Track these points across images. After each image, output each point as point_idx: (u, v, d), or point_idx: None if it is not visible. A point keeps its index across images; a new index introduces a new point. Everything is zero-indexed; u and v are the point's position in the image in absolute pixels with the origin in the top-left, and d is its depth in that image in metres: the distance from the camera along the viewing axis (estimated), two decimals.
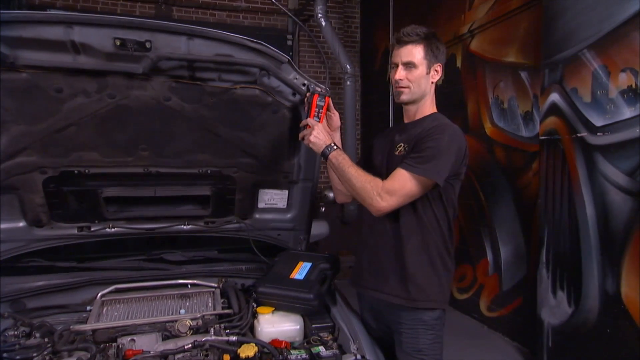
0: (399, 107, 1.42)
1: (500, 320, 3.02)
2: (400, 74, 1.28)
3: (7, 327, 1.29)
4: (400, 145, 1.32)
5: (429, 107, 1.35)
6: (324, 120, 1.35)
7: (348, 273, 3.85)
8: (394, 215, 1.28)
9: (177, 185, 1.61)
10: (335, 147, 1.28)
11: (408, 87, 1.29)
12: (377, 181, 1.23)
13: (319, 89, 1.36)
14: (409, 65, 1.27)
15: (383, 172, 1.31)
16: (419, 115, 1.35)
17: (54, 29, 1.16)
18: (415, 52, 1.27)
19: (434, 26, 3.72)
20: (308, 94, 1.36)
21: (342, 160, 1.26)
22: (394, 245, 1.30)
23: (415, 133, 1.30)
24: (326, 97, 1.34)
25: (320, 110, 1.33)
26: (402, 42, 1.28)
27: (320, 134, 1.28)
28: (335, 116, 1.41)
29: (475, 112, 3.28)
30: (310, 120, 1.31)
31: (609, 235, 2.03)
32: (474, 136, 3.22)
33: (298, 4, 5.06)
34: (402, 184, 1.21)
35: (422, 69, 1.28)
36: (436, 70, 1.31)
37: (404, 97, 1.31)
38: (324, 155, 1.28)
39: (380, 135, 1.50)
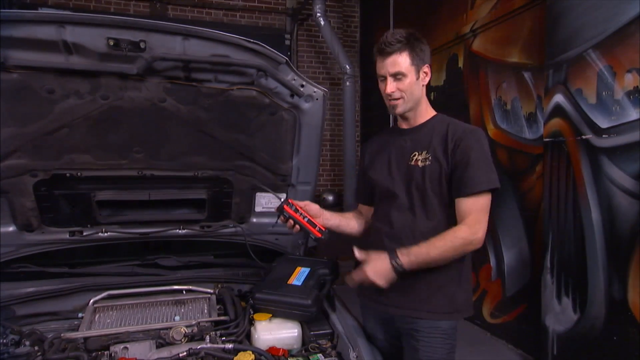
0: None
1: (504, 327, 2.98)
2: (391, 86, 1.23)
3: None
4: (415, 154, 1.27)
5: (426, 109, 1.32)
6: (304, 216, 1.29)
7: None
8: (425, 228, 1.24)
9: (172, 189, 1.59)
10: (398, 256, 1.16)
11: (402, 97, 1.25)
12: (457, 231, 1.17)
13: (280, 199, 1.31)
14: (398, 76, 1.23)
15: (401, 185, 1.27)
16: (420, 119, 1.32)
17: (45, 29, 1.15)
18: (401, 61, 1.22)
19: (435, 25, 3.73)
20: (281, 217, 1.28)
21: (418, 255, 1.16)
22: None
23: (428, 140, 1.26)
24: (289, 201, 1.29)
25: (299, 211, 1.28)
26: (385, 53, 1.22)
27: (374, 264, 1.17)
28: (309, 205, 1.34)
29: (477, 114, 3.24)
30: (359, 257, 1.21)
31: (615, 240, 2.00)
32: None
33: (296, 2, 5.04)
34: (480, 208, 1.19)
35: (411, 76, 1.24)
36: (425, 72, 1.28)
37: (400, 110, 1.27)
38: (397, 270, 1.17)
39: (373, 144, 1.44)
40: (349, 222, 1.45)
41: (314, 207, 1.35)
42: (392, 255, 1.17)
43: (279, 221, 1.30)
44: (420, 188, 1.25)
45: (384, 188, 1.32)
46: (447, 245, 1.17)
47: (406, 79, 1.23)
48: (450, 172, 1.23)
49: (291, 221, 1.28)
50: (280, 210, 1.28)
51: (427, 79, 1.29)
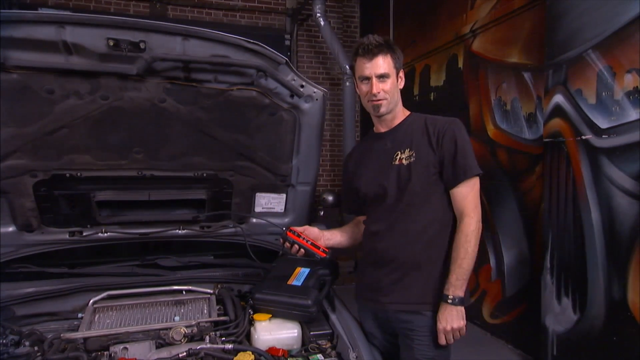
0: None
1: (504, 327, 2.98)
2: (377, 87, 1.27)
3: None
4: (398, 154, 1.30)
5: (401, 111, 1.37)
6: (307, 240, 1.37)
7: (347, 279, 3.79)
8: (416, 222, 1.27)
9: (172, 189, 1.59)
10: (449, 295, 1.21)
11: (386, 98, 1.28)
12: (466, 228, 1.22)
13: (283, 228, 1.41)
14: (384, 77, 1.27)
15: (388, 187, 1.29)
16: (396, 121, 1.36)
17: (45, 29, 1.15)
18: (386, 63, 1.27)
19: (434, 25, 3.73)
20: (286, 243, 1.36)
21: (458, 277, 1.21)
22: (419, 253, 1.28)
23: (409, 137, 1.30)
24: (290, 228, 1.38)
25: (301, 236, 1.36)
26: (372, 54, 1.25)
27: (444, 318, 1.21)
28: (309, 229, 1.41)
29: (477, 114, 3.24)
30: (442, 342, 1.24)
31: (614, 240, 2.00)
32: (476, 138, 3.18)
33: (296, 3, 5.04)
34: (475, 192, 1.25)
35: (393, 78, 1.29)
36: (401, 77, 1.33)
37: (384, 110, 1.30)
38: (458, 302, 1.22)
39: (353, 154, 1.48)
40: (350, 237, 1.49)
41: (313, 231, 1.41)
42: (444, 297, 1.22)
43: (285, 247, 1.39)
44: (408, 185, 1.27)
45: (372, 193, 1.35)
46: (467, 247, 1.22)
47: (389, 80, 1.28)
48: (439, 163, 1.26)
49: (296, 246, 1.35)
50: (284, 237, 1.36)
51: (402, 83, 1.34)
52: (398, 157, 1.30)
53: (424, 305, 1.27)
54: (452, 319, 1.21)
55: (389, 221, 1.30)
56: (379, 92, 1.27)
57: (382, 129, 1.37)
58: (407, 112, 1.37)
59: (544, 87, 2.42)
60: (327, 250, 1.38)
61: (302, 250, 1.35)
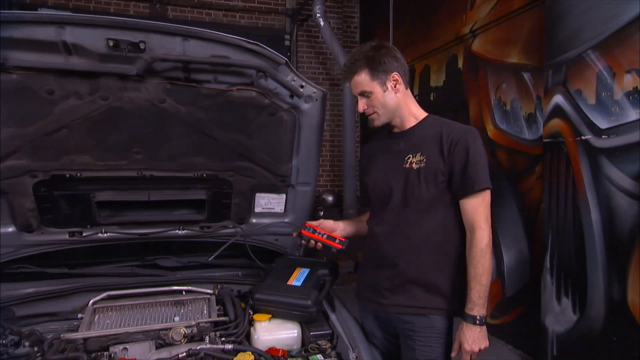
0: None
1: (504, 328, 2.97)
2: (361, 104, 1.29)
3: None
4: (409, 157, 1.29)
5: (414, 111, 1.33)
6: (322, 234, 1.39)
7: (347, 279, 3.79)
8: (420, 228, 1.26)
9: (172, 190, 1.59)
10: (472, 315, 1.20)
11: (375, 112, 1.29)
12: (478, 242, 1.20)
13: (294, 227, 1.47)
14: (364, 95, 1.28)
15: (396, 188, 1.29)
16: (408, 123, 1.33)
17: (45, 30, 1.15)
18: (361, 81, 1.26)
19: (434, 26, 3.73)
20: (302, 241, 1.40)
21: (479, 294, 1.20)
22: (421, 261, 1.27)
23: (422, 142, 1.28)
24: (305, 224, 1.41)
25: (316, 231, 1.39)
26: (346, 77, 1.29)
27: (467, 338, 1.19)
28: (324, 223, 1.42)
29: (477, 114, 3.25)
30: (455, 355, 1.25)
31: (614, 240, 2.00)
32: None
33: (296, 3, 5.05)
34: (485, 205, 1.23)
35: (376, 90, 1.26)
36: (395, 80, 1.27)
37: (378, 123, 1.32)
38: (483, 322, 1.20)
39: (369, 147, 1.48)
40: (365, 224, 1.47)
41: (328, 223, 1.43)
42: (469, 319, 1.20)
43: (302, 244, 1.43)
44: (415, 190, 1.26)
45: (378, 192, 1.34)
46: (484, 262, 1.20)
47: (372, 94, 1.27)
48: (449, 172, 1.24)
49: (313, 242, 1.37)
50: (300, 236, 1.39)
51: (399, 86, 1.28)
52: (409, 160, 1.28)
53: (426, 309, 1.26)
54: (480, 340, 1.19)
55: (393, 225, 1.29)
56: (365, 109, 1.29)
57: (394, 130, 1.36)
58: (424, 114, 1.34)
59: (543, 87, 2.42)
60: (343, 240, 1.39)
61: (319, 244, 1.38)
